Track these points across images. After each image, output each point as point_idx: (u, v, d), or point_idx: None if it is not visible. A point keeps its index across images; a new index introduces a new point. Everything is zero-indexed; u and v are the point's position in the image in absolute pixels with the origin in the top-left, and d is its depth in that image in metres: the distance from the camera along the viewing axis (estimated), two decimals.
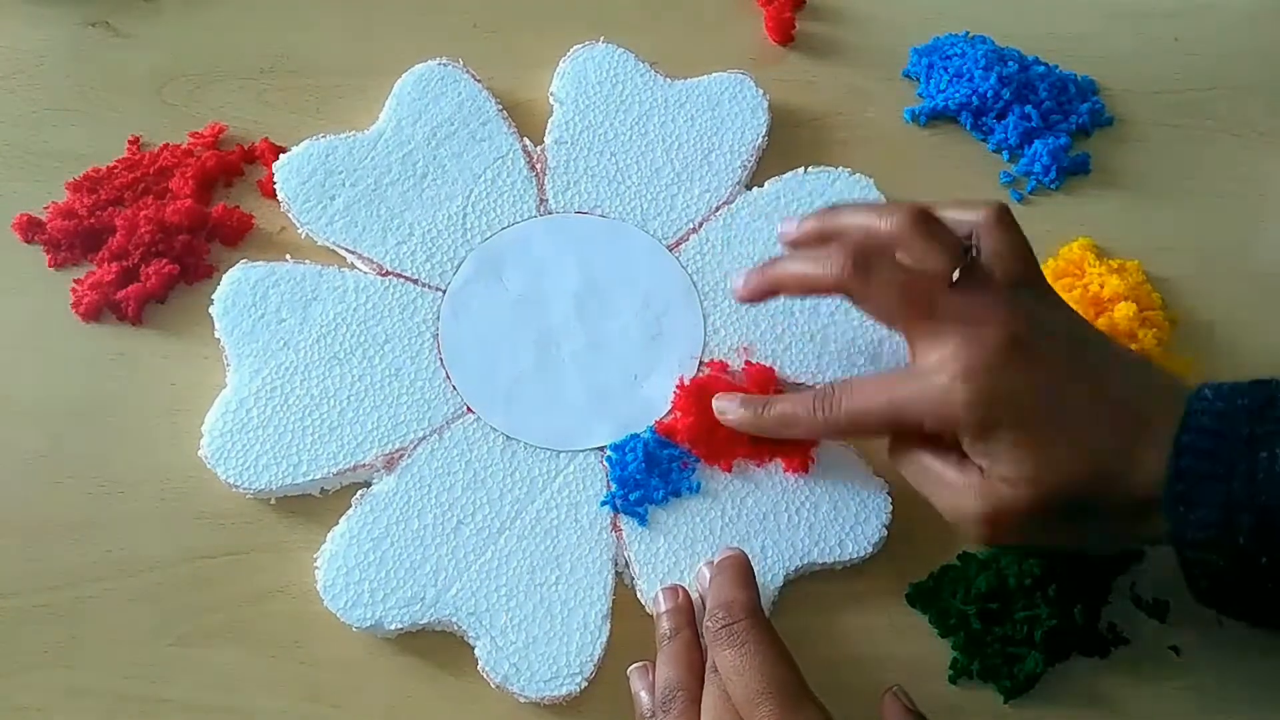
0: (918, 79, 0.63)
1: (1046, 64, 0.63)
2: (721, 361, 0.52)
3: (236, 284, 0.52)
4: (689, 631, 0.45)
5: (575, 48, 0.59)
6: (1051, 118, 0.61)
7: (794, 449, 0.50)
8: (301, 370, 0.51)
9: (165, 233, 0.54)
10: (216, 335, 0.51)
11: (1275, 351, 0.56)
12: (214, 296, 0.52)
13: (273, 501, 0.49)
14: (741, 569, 0.45)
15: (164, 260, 0.53)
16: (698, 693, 0.42)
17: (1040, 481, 0.41)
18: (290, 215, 0.55)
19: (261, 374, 0.50)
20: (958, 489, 0.43)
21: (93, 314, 0.53)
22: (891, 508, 0.49)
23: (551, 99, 0.59)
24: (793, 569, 0.48)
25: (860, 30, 0.64)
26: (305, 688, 0.46)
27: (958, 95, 0.61)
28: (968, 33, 0.63)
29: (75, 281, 0.53)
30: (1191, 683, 0.48)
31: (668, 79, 0.59)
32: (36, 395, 0.51)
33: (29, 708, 0.45)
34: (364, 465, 0.49)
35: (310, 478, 0.48)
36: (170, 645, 0.46)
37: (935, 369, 0.42)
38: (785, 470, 0.50)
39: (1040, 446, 0.41)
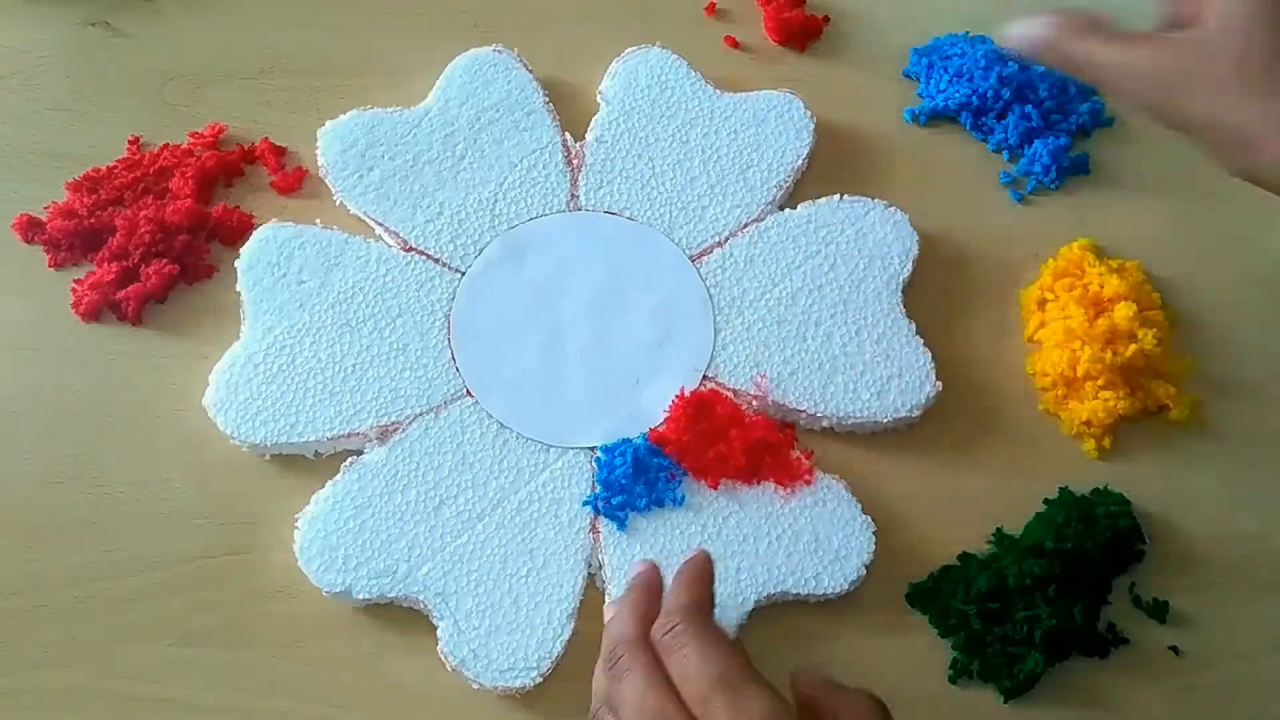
0: (918, 79, 0.63)
1: None
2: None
3: (264, 242, 0.53)
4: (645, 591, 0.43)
5: (629, 50, 0.59)
6: (1051, 118, 0.61)
7: (789, 472, 0.50)
8: (313, 332, 0.51)
9: (165, 233, 0.54)
10: (238, 289, 0.52)
11: (1276, 352, 0.56)
12: (241, 250, 0.53)
13: (267, 458, 0.50)
14: (695, 571, 0.43)
15: (164, 260, 0.53)
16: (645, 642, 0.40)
17: None
18: (327, 181, 0.55)
19: (274, 331, 0.51)
20: (1128, 36, 0.39)
21: (93, 314, 0.53)
22: (874, 548, 0.48)
23: (599, 97, 0.59)
24: (764, 595, 0.48)
25: (860, 30, 0.64)
26: (305, 688, 0.46)
27: (958, 95, 0.60)
28: (968, 33, 0.63)
29: (75, 281, 0.53)
30: (1191, 683, 0.48)
31: (717, 91, 0.59)
32: (36, 395, 0.51)
33: (29, 708, 0.45)
34: (358, 434, 0.50)
35: (305, 439, 0.49)
36: (170, 645, 0.46)
37: None
38: (780, 486, 0.49)
39: None
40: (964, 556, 0.49)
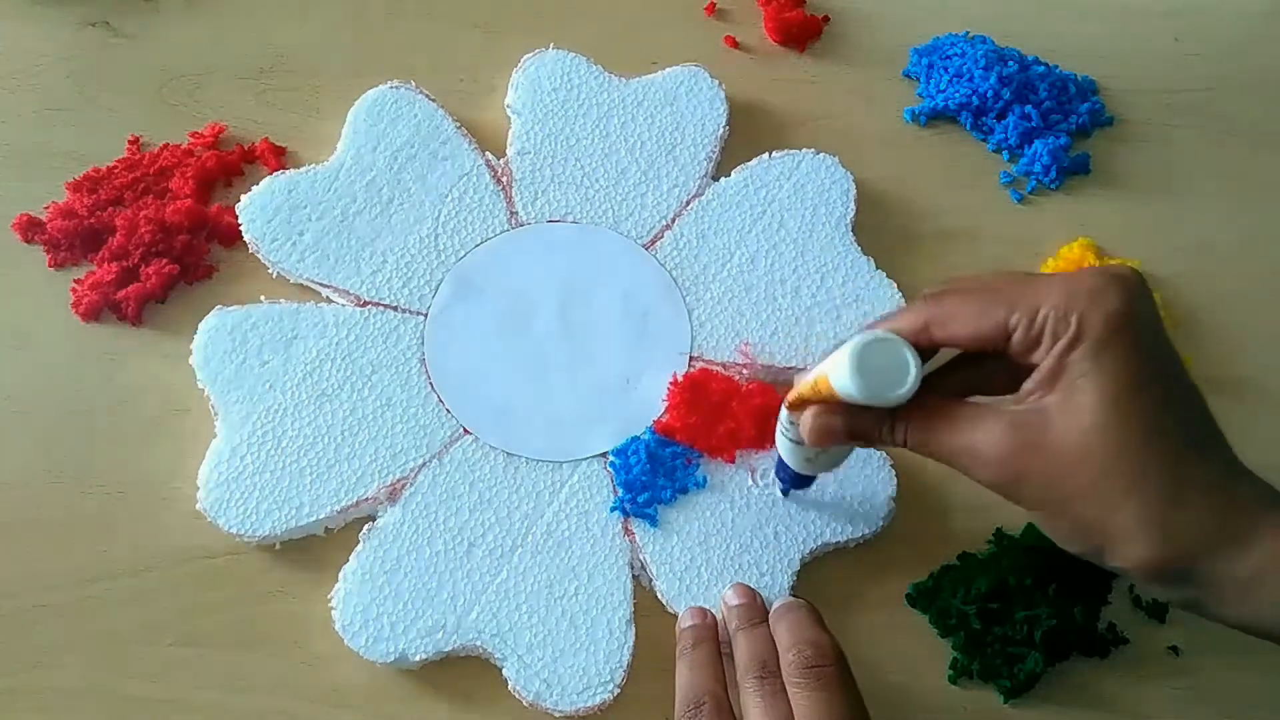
0: (918, 79, 0.63)
1: (1046, 64, 0.63)
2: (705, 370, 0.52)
3: (213, 331, 0.51)
4: (714, 645, 0.45)
5: (525, 57, 0.59)
6: (1051, 118, 0.61)
7: None
8: (291, 411, 0.50)
9: (165, 233, 0.54)
10: (199, 385, 0.50)
11: (1276, 351, 0.56)
12: (191, 346, 0.51)
13: (278, 547, 0.48)
14: (816, 612, 0.45)
15: (164, 260, 0.53)
16: (724, 699, 0.42)
17: (1131, 416, 0.35)
18: (259, 255, 0.54)
19: (251, 419, 0.50)
20: (981, 418, 0.37)
21: (93, 314, 0.53)
22: (896, 481, 0.50)
23: (508, 110, 0.59)
24: (807, 551, 0.48)
25: (860, 30, 0.64)
26: (305, 688, 0.46)
27: (958, 95, 0.61)
28: (968, 33, 0.63)
29: (75, 281, 0.53)
30: (1191, 683, 0.48)
31: (622, 78, 0.59)
32: (36, 395, 0.51)
33: (29, 708, 0.45)
34: (367, 499, 0.49)
35: (314, 518, 0.48)
36: (170, 645, 0.46)
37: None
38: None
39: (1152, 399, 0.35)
40: (964, 556, 0.49)
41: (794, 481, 0.47)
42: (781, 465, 0.46)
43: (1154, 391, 0.36)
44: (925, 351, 0.38)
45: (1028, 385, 0.37)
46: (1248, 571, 0.35)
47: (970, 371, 0.40)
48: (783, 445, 0.44)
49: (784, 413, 0.42)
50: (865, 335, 0.37)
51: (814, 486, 0.49)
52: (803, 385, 0.40)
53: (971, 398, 0.39)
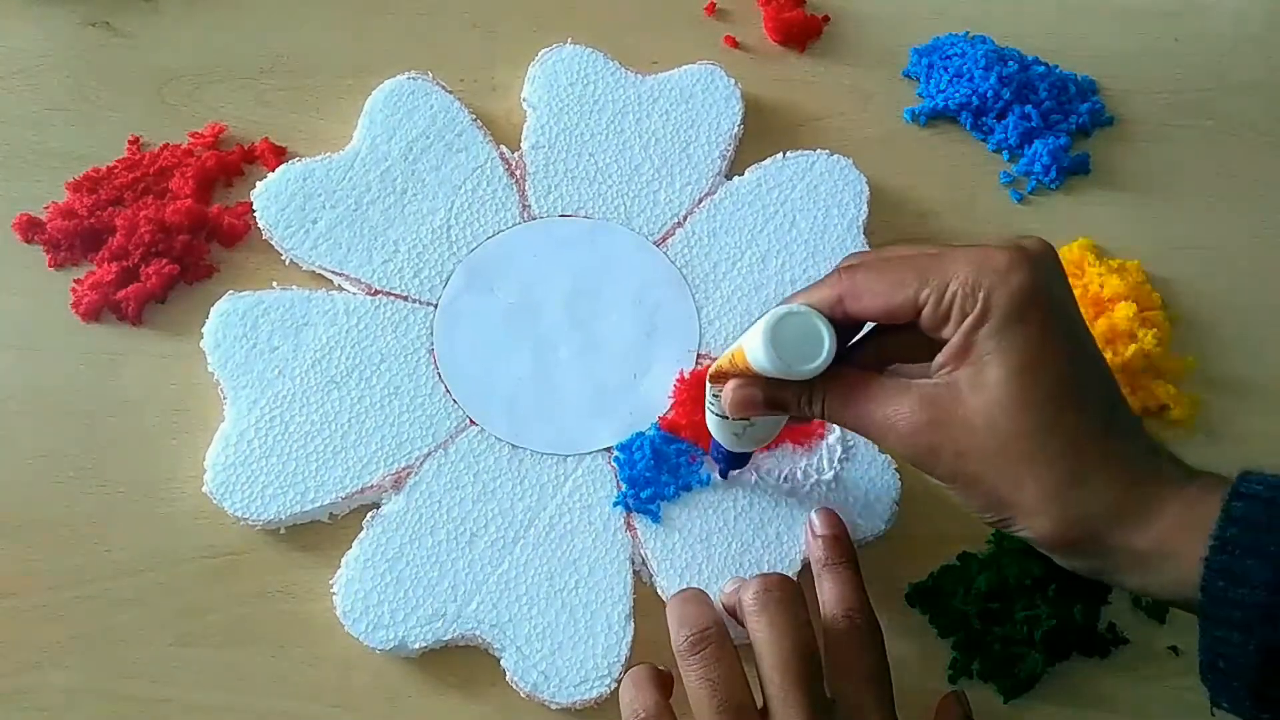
0: (918, 79, 0.63)
1: (1046, 64, 0.63)
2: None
3: (225, 315, 0.52)
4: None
5: (542, 51, 0.59)
6: (1051, 118, 0.61)
7: (803, 429, 0.50)
8: (300, 397, 0.50)
9: (165, 233, 0.54)
10: (210, 369, 0.51)
11: (1276, 351, 0.56)
12: (203, 330, 0.51)
13: (282, 531, 0.49)
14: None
15: (164, 260, 0.53)
16: (725, 632, 0.42)
17: (1031, 396, 0.36)
18: (273, 243, 0.54)
19: (259, 404, 0.50)
20: (895, 392, 0.38)
21: (93, 314, 0.53)
22: (900, 484, 0.50)
23: (524, 104, 0.59)
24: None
25: (860, 30, 0.64)
26: (305, 688, 0.46)
27: (958, 95, 0.61)
28: (968, 33, 0.63)
29: (75, 281, 0.53)
30: (1191, 683, 0.48)
31: (639, 75, 0.59)
32: (36, 395, 0.51)
33: (29, 708, 0.45)
34: (372, 487, 0.49)
35: (318, 504, 0.48)
36: (170, 645, 0.46)
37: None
38: (797, 445, 0.50)
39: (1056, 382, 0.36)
40: (964, 556, 0.49)
41: (729, 460, 0.47)
42: (716, 445, 0.46)
43: (1059, 369, 0.37)
44: (843, 324, 0.39)
45: (939, 359, 0.38)
46: (1147, 544, 0.36)
47: (891, 340, 0.41)
48: (711, 421, 0.45)
49: (708, 386, 0.43)
50: (779, 309, 0.38)
51: (749, 469, 0.49)
52: (722, 358, 0.41)
53: (891, 367, 0.40)
